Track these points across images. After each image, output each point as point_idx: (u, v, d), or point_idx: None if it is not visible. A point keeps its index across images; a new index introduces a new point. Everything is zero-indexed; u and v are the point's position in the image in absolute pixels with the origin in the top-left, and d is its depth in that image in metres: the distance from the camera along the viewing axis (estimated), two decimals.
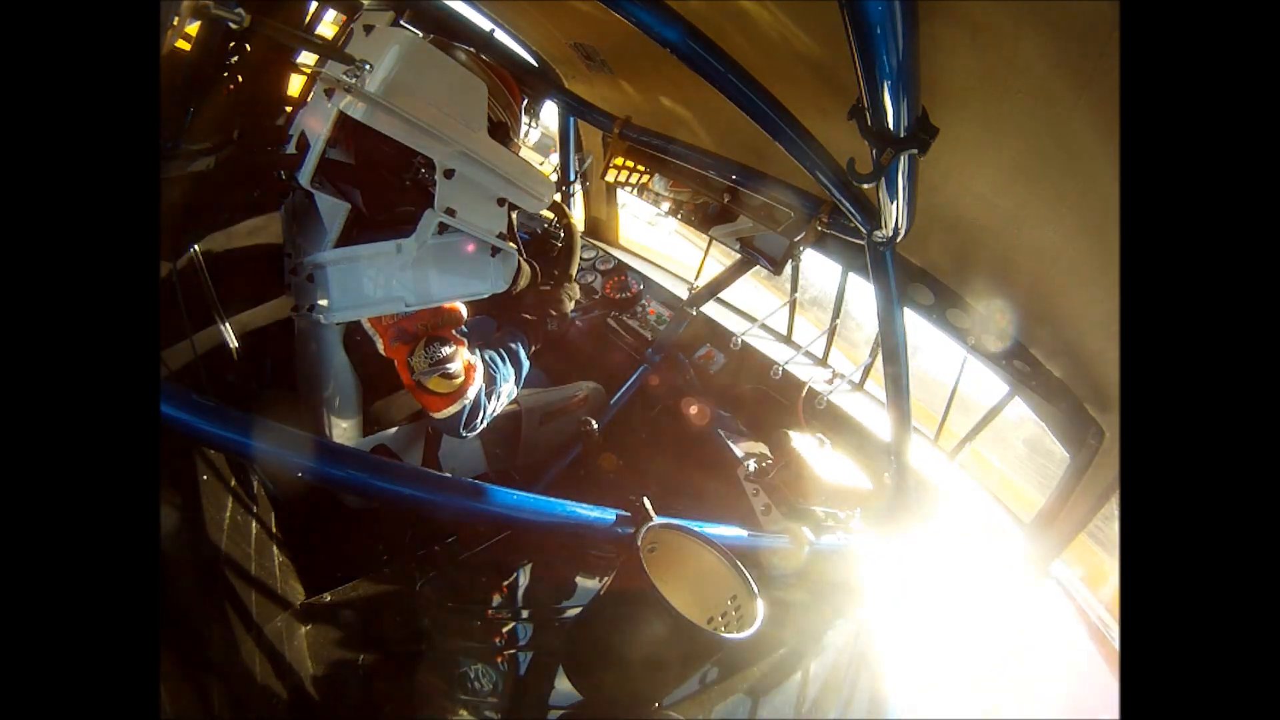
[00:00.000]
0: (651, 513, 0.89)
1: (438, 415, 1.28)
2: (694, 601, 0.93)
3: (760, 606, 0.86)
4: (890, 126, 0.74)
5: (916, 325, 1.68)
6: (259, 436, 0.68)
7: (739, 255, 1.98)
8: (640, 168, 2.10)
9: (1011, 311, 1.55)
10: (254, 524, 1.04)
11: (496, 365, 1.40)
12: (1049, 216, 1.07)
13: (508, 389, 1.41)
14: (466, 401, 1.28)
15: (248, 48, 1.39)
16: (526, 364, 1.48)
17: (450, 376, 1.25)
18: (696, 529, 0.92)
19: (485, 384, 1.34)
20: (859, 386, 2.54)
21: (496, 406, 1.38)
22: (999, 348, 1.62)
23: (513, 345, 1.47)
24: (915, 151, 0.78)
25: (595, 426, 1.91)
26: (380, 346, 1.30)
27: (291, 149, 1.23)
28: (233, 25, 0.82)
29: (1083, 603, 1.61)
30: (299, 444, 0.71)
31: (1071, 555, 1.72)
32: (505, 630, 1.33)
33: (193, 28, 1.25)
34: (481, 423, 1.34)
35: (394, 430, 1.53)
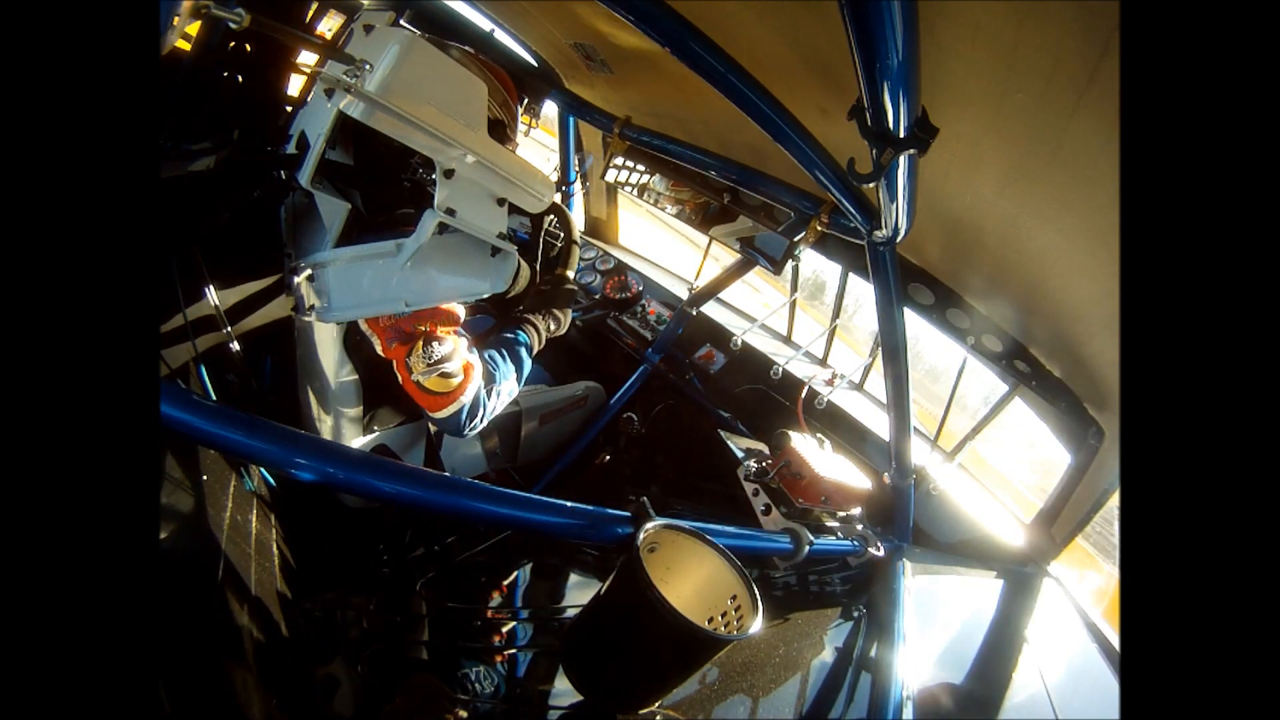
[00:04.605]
0: (651, 512, 0.89)
1: (437, 415, 1.27)
2: (694, 601, 0.93)
3: (760, 606, 0.86)
4: (890, 126, 0.74)
5: (917, 325, 1.68)
6: (259, 436, 0.68)
7: (739, 255, 1.97)
8: (640, 168, 2.10)
9: (1012, 311, 1.55)
10: (254, 524, 1.04)
11: (496, 364, 1.39)
12: (1049, 216, 1.06)
13: (508, 387, 1.40)
14: (465, 401, 1.28)
15: (248, 48, 1.39)
16: (528, 362, 1.46)
17: (448, 376, 1.25)
18: (696, 529, 0.92)
19: (485, 383, 1.34)
20: (859, 386, 2.55)
21: (497, 405, 1.37)
22: (999, 348, 1.62)
23: (513, 342, 1.45)
24: (915, 151, 0.78)
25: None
26: (378, 347, 1.30)
27: (291, 149, 1.23)
28: (233, 25, 0.82)
29: (1082, 602, 1.61)
30: (299, 444, 0.71)
31: (1071, 556, 1.72)
32: (505, 630, 1.34)
33: (193, 27, 1.25)
34: (482, 421, 1.34)
35: (394, 430, 1.53)
